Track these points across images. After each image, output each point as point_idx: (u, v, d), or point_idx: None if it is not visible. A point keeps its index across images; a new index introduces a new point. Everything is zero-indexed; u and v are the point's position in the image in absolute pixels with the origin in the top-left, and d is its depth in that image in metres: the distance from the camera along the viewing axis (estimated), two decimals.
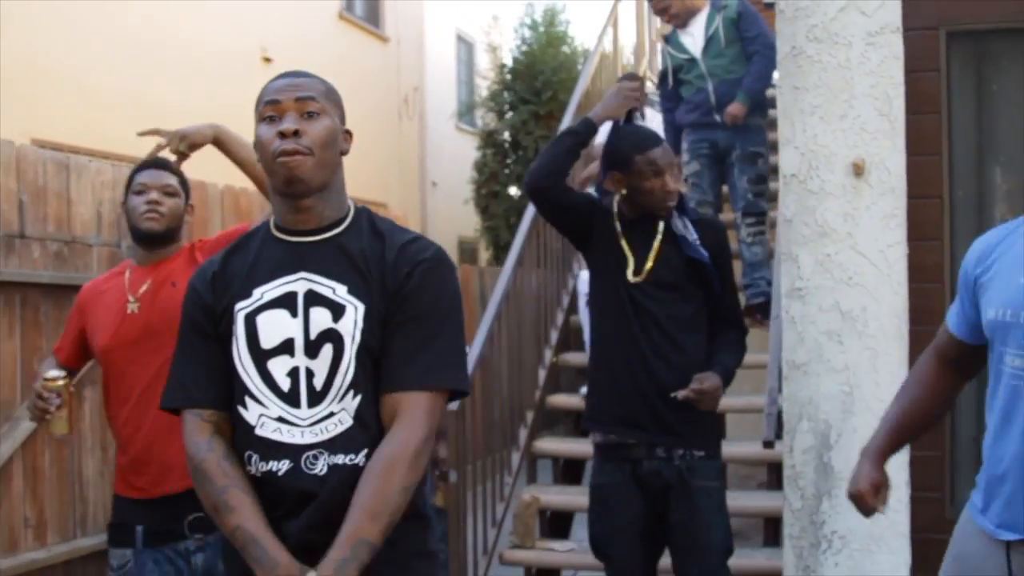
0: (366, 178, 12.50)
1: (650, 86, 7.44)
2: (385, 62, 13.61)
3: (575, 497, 5.57)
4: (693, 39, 6.04)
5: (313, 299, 2.14)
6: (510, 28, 14.69)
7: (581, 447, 5.89)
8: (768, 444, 3.87)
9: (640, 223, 3.48)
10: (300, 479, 2.08)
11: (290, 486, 2.09)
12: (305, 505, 2.08)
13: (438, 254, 2.22)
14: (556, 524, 5.45)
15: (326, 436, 2.10)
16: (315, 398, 2.11)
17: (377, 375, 2.14)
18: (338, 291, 2.14)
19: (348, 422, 2.11)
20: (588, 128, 3.60)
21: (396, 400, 2.10)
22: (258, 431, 2.12)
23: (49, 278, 4.80)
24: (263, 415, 2.12)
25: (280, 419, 2.12)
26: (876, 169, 3.51)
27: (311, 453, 2.09)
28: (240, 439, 2.15)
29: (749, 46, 5.84)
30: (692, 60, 6.03)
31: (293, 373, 2.12)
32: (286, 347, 2.13)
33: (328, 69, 9.93)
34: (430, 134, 15.35)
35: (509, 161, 13.41)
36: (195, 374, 2.19)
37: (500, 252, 13.25)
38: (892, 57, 3.51)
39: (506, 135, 13.61)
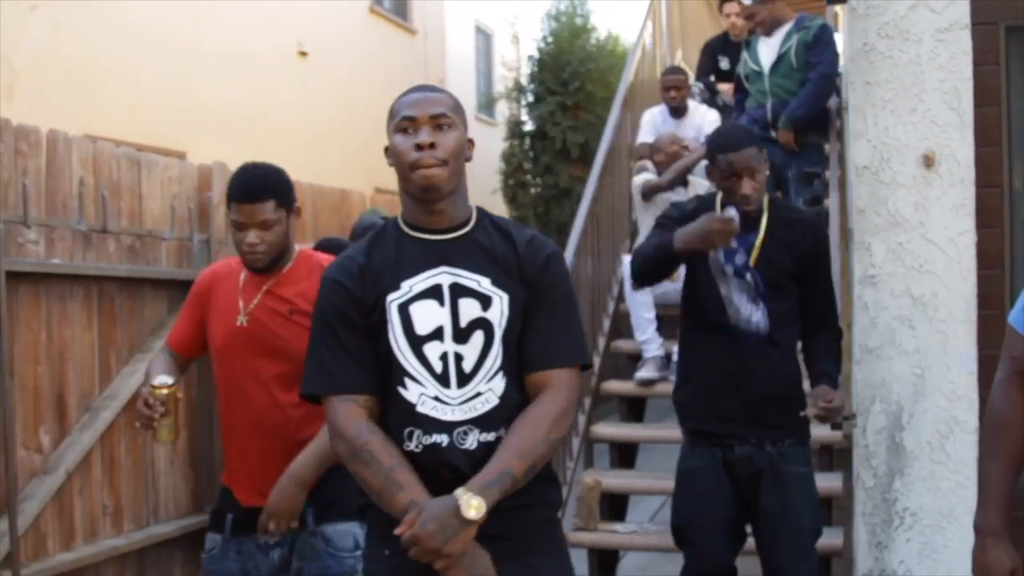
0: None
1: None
2: (413, 55, 13.75)
3: (632, 480, 5.76)
4: (768, 51, 6.10)
5: (459, 290, 2.37)
6: (534, 19, 14.80)
7: (636, 432, 6.07)
8: (836, 426, 4.00)
9: (743, 219, 3.53)
10: (455, 452, 2.30)
11: (449, 457, 2.30)
12: (458, 477, 2.26)
13: (556, 248, 2.50)
14: (613, 507, 5.60)
15: (475, 414, 2.32)
16: (463, 379, 2.34)
17: (516, 357, 2.38)
18: (483, 283, 2.37)
19: (494, 401, 2.34)
20: (667, 253, 3.62)
21: (544, 377, 2.37)
22: (419, 408, 2.32)
23: (125, 272, 4.95)
24: (423, 394, 2.33)
25: (436, 398, 2.33)
26: (946, 160, 3.65)
27: (461, 429, 2.31)
28: (400, 417, 2.34)
29: (810, 71, 5.85)
30: (759, 73, 6.10)
31: (444, 357, 2.34)
32: (437, 333, 2.35)
33: (362, 63, 10.29)
34: None
35: (535, 153, 13.54)
36: (344, 362, 2.37)
37: None
38: (961, 53, 3.65)
39: (529, 126, 13.72)
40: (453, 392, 2.33)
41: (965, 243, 3.66)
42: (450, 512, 2.15)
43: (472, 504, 2.15)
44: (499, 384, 2.35)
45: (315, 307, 2.45)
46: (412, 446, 2.32)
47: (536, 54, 13.92)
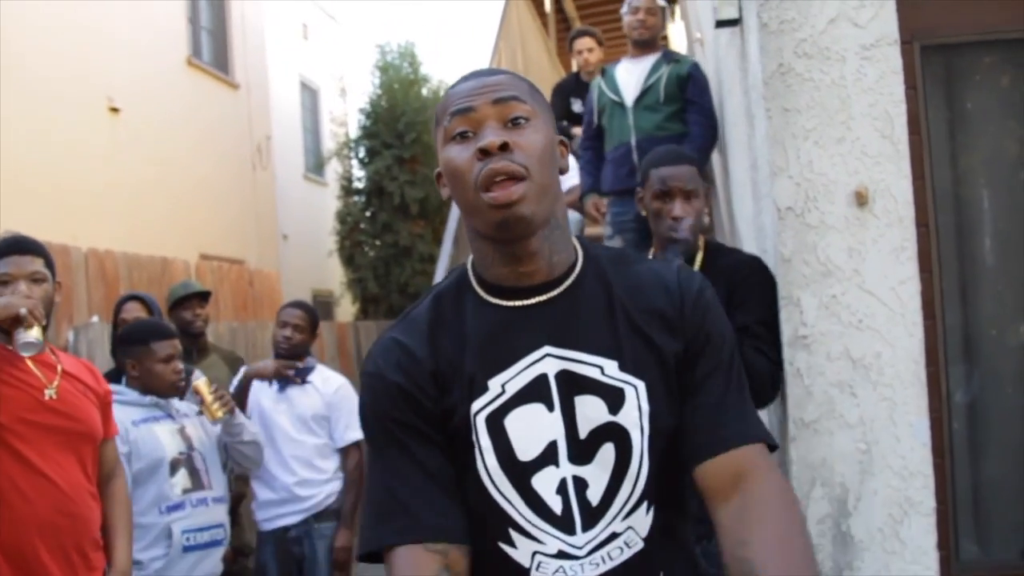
0: (223, 232, 11.77)
1: None
2: (236, 110, 12.89)
3: None
4: (631, 80, 5.37)
5: (573, 383, 1.58)
6: (362, 72, 14.22)
7: None
8: None
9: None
10: None
11: None
12: None
13: (705, 281, 1.69)
14: None
15: (611, 564, 1.55)
16: (591, 517, 1.56)
17: (671, 459, 1.60)
18: (607, 369, 1.57)
19: (638, 544, 1.57)
20: None
21: (736, 461, 1.55)
22: (535, 574, 1.56)
23: None
24: (538, 552, 1.55)
25: (560, 554, 1.55)
26: (881, 197, 3.13)
27: None
28: None
29: (692, 113, 5.16)
30: (620, 105, 5.35)
31: (562, 488, 1.56)
32: (549, 455, 1.56)
33: (178, 117, 9.38)
34: (279, 184, 14.67)
35: (372, 211, 12.85)
36: (419, 489, 1.55)
37: (367, 304, 12.67)
38: (890, 72, 3.15)
39: (363, 182, 13.07)
40: (578, 539, 1.55)
41: (908, 292, 3.13)
42: None
43: None
44: (643, 520, 1.58)
45: (366, 420, 1.62)
46: None
47: (367, 107, 13.28)
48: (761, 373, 3.00)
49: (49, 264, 3.13)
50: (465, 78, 1.63)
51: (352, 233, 12.82)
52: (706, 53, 6.58)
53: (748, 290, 3.08)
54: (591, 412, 1.56)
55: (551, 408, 1.56)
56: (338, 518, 4.80)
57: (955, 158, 3.54)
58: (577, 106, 7.27)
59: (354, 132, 13.34)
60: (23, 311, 2.80)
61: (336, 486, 4.82)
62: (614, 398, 1.56)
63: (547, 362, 1.58)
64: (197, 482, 3.84)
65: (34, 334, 2.83)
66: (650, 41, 5.43)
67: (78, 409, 3.07)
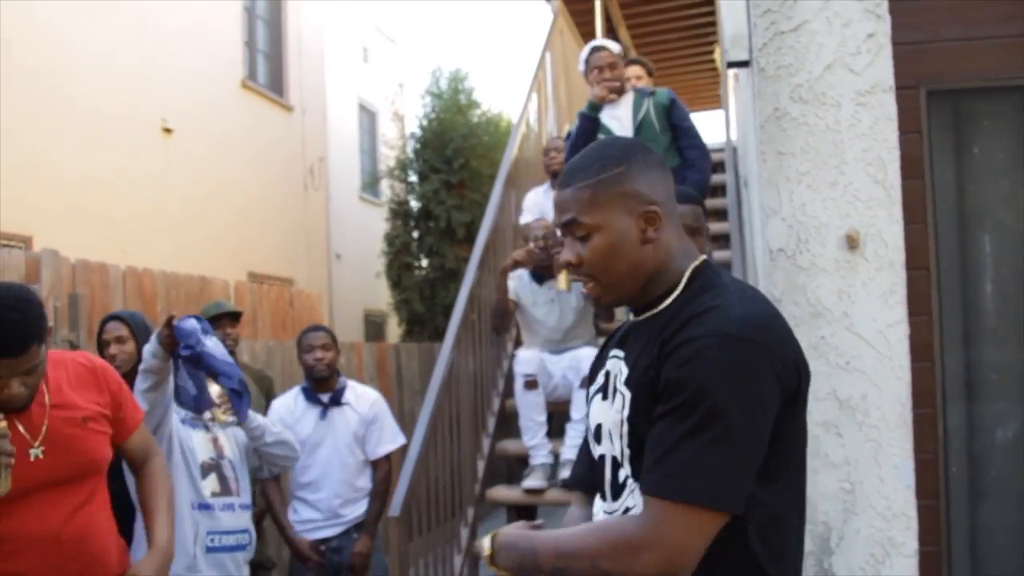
0: (272, 252, 11.97)
1: None
2: (290, 132, 13.12)
3: None
4: (620, 123, 5.49)
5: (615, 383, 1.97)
6: (416, 95, 14.37)
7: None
8: None
9: None
10: None
11: None
12: None
13: (712, 339, 1.81)
14: None
15: None
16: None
17: None
18: (621, 377, 1.91)
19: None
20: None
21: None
22: None
23: None
24: None
25: None
26: (872, 241, 3.19)
27: None
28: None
29: (683, 139, 5.32)
30: None
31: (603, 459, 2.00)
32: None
33: (231, 139, 9.54)
34: (333, 205, 14.87)
35: (419, 233, 12.98)
36: (750, 472, 1.73)
37: (413, 326, 12.79)
38: (884, 118, 3.21)
39: (413, 204, 13.21)
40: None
41: (897, 336, 3.18)
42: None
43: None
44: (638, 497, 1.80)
45: (757, 376, 1.71)
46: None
47: (419, 131, 13.43)
48: None
49: (43, 335, 2.74)
50: (563, 177, 1.97)
51: (400, 255, 12.96)
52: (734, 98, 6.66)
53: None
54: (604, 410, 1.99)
55: (605, 397, 1.99)
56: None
57: (960, 202, 3.58)
58: None
59: (406, 156, 13.47)
60: None
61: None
62: (615, 400, 1.91)
63: (612, 362, 1.98)
64: (225, 488, 3.96)
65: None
66: (622, 90, 5.58)
67: (74, 451, 2.90)
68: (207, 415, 4.07)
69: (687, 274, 1.91)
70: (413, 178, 13.34)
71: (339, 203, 15.15)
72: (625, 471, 1.85)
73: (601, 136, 5.49)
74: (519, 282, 5.58)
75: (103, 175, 9.09)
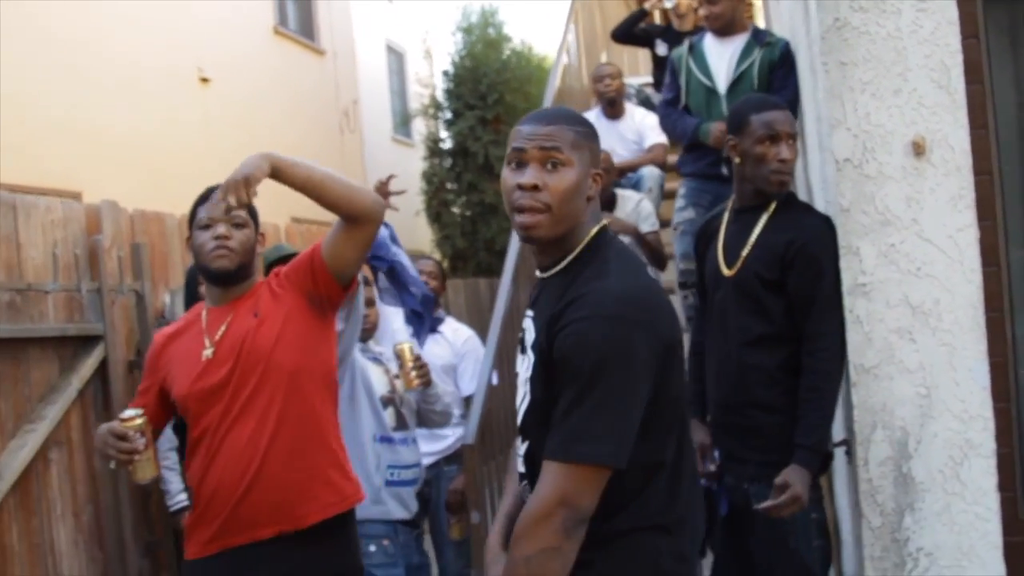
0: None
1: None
2: (322, 76, 13.13)
3: None
4: (724, 66, 5.09)
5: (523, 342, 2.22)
6: (445, 34, 14.33)
7: None
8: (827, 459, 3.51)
9: (751, 211, 3.37)
10: None
11: None
12: None
13: (598, 310, 2.09)
14: None
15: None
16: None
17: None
18: (527, 337, 2.19)
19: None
20: None
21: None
22: None
23: (5, 332, 4.32)
24: None
25: None
26: (938, 147, 3.18)
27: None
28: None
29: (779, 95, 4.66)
30: (712, 92, 5.11)
31: None
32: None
33: (266, 86, 9.58)
34: (367, 147, 14.91)
35: (458, 169, 13.01)
36: (631, 431, 2.01)
37: (456, 262, 12.87)
38: (946, 23, 3.19)
39: (448, 143, 13.22)
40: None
41: (966, 240, 3.19)
42: None
43: None
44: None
45: (631, 350, 1.99)
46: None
47: (451, 69, 13.41)
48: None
49: (252, 212, 3.13)
50: (528, 119, 2.14)
51: (438, 193, 13.01)
52: (781, 7, 6.58)
53: (812, 260, 3.21)
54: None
55: (523, 353, 2.20)
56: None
57: (1019, 107, 3.56)
58: (662, 49, 7.21)
59: (439, 94, 13.46)
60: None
61: (462, 431, 4.82)
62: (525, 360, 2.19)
63: (526, 321, 2.21)
64: (402, 422, 3.97)
65: (139, 476, 2.94)
66: (728, 25, 5.17)
67: (253, 354, 2.98)
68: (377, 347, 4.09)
69: (586, 240, 2.14)
70: (447, 115, 13.34)
71: (372, 145, 15.20)
72: (521, 419, 2.18)
73: (694, 70, 5.21)
74: None
75: (144, 127, 9.17)
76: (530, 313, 2.21)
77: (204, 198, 3.12)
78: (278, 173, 2.83)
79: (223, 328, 3.04)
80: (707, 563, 3.56)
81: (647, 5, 7.56)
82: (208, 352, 3.00)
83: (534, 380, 2.11)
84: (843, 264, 3.23)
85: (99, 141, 8.55)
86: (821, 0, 3.25)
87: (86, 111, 8.44)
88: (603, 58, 8.57)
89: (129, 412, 2.91)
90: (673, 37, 7.16)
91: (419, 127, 14.87)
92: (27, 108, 7.94)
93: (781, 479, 3.07)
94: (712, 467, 3.44)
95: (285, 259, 5.27)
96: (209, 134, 10.06)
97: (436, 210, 13.01)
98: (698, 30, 6.53)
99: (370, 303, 4.09)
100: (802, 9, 4.01)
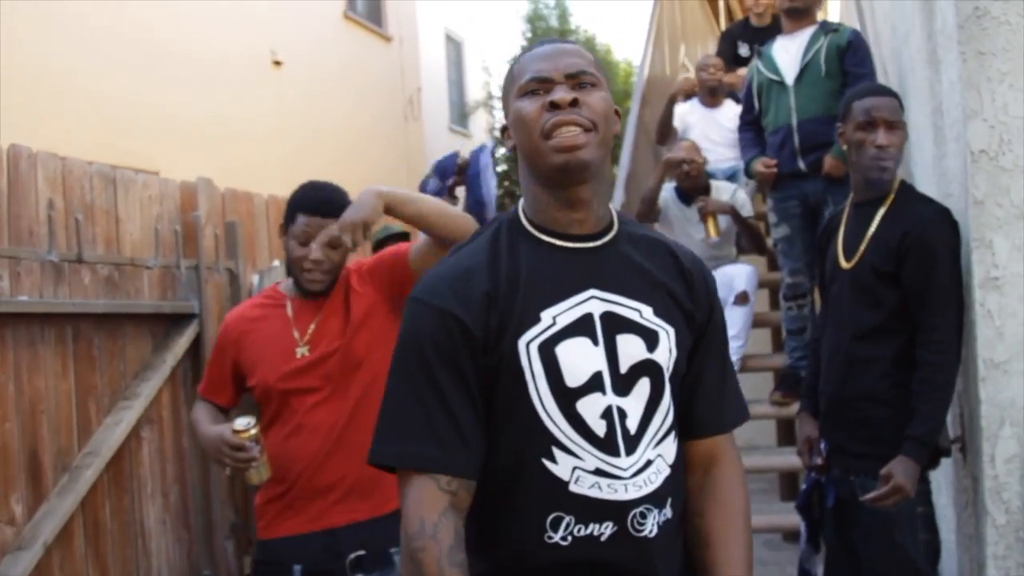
0: (379, 181, 12.04)
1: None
2: (389, 63, 13.15)
3: None
4: (789, 58, 5.15)
5: (615, 323, 1.76)
6: (510, 22, 14.30)
7: None
8: (943, 452, 3.44)
9: (869, 204, 3.37)
10: (627, 543, 1.70)
11: (612, 554, 1.69)
12: None
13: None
14: None
15: (651, 488, 1.72)
16: (631, 444, 1.72)
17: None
18: (644, 313, 1.78)
19: (665, 471, 1.76)
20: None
21: (715, 445, 1.85)
22: (572, 488, 1.69)
23: (103, 307, 4.31)
24: (578, 468, 1.70)
25: (598, 471, 1.70)
26: None
27: (638, 510, 1.71)
28: (543, 500, 1.71)
29: (850, 84, 4.78)
30: (781, 84, 5.16)
31: (607, 415, 1.72)
32: (595, 383, 1.72)
33: (337, 70, 9.63)
34: (426, 136, 14.92)
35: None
36: (438, 426, 1.69)
37: None
38: None
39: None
40: (623, 462, 1.71)
41: None
42: None
43: None
44: (670, 448, 1.79)
45: (402, 342, 1.76)
46: (557, 538, 1.69)
47: (514, 57, 13.39)
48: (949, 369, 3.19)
49: None
50: (539, 44, 1.85)
51: (503, 183, 13.01)
52: (874, 3, 6.49)
53: (927, 251, 3.18)
54: (631, 349, 1.75)
55: (596, 343, 1.73)
56: None
57: None
58: (744, 50, 7.24)
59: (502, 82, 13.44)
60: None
61: None
62: (651, 338, 1.77)
63: (593, 303, 1.75)
64: None
65: (254, 479, 2.99)
66: (803, 12, 5.23)
67: (349, 360, 3.04)
68: None
69: (613, 211, 1.90)
70: None
71: (431, 135, 15.20)
72: (662, 419, 1.78)
73: (764, 71, 5.29)
74: (667, 195, 5.65)
75: (219, 109, 9.22)
76: (598, 292, 1.77)
77: (307, 206, 3.09)
78: (391, 210, 2.83)
79: (313, 326, 3.08)
80: (820, 557, 3.52)
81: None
82: (303, 350, 3.04)
83: (680, 358, 1.81)
84: (975, 257, 3.16)
85: (175, 122, 8.61)
86: None
87: (162, 92, 8.50)
88: (682, 52, 8.53)
89: (241, 422, 2.93)
90: (752, 34, 7.16)
91: (476, 119, 14.83)
92: (106, 86, 8.01)
93: (886, 470, 3.08)
94: (819, 460, 3.42)
95: (394, 238, 5.30)
96: (281, 117, 10.10)
97: (500, 200, 13.01)
98: (776, 24, 6.56)
99: None
100: (918, 5, 3.94)
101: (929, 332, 3.17)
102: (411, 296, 1.79)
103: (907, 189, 3.38)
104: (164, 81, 8.53)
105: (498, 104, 13.47)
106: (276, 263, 5.64)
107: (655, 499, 1.72)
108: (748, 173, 5.39)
